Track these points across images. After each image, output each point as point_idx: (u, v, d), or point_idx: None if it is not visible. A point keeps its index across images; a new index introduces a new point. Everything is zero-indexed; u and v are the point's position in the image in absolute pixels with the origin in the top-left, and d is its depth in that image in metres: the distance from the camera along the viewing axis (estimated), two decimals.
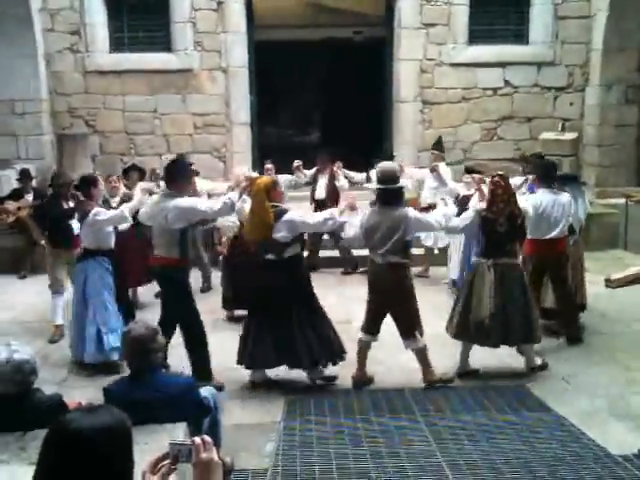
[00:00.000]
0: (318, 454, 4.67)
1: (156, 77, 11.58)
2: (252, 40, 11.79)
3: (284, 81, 15.13)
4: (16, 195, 10.17)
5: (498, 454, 4.62)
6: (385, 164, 6.05)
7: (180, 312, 5.87)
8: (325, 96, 15.48)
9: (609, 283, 8.28)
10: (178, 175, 5.91)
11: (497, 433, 4.97)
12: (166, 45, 11.62)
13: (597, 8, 11.41)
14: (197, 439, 2.01)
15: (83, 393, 5.24)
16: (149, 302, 7.95)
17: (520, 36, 11.93)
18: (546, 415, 5.28)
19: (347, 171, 9.50)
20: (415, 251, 9.57)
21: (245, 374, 6.09)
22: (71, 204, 7.18)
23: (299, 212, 6.15)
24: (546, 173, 6.86)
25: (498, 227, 5.87)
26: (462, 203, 6.99)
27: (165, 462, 2.03)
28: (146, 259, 7.30)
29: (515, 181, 7.33)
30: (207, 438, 2.03)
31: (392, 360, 6.25)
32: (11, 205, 10.04)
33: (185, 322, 5.87)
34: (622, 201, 10.25)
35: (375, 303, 5.86)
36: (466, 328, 5.96)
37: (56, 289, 7.20)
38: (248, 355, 5.82)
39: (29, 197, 10.09)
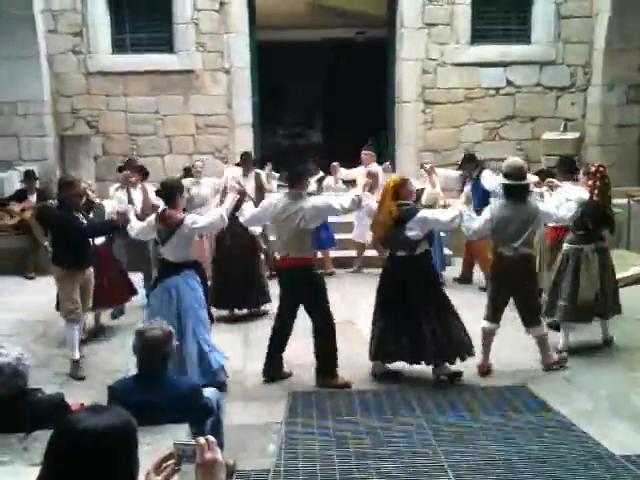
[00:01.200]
0: (320, 454, 4.68)
1: (158, 78, 11.60)
2: (254, 41, 11.80)
3: (286, 82, 15.14)
4: (20, 196, 10.21)
5: (499, 453, 4.62)
6: (513, 160, 6.26)
7: (321, 308, 5.95)
8: (327, 97, 15.49)
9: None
10: (303, 175, 6.06)
11: (498, 432, 4.97)
12: (168, 46, 11.64)
13: (599, 8, 11.41)
14: (201, 439, 2.03)
15: (85, 394, 5.26)
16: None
17: (522, 36, 11.93)
18: (547, 415, 5.28)
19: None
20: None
21: (247, 375, 6.12)
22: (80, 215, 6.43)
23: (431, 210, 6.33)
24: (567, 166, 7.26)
25: (609, 212, 6.54)
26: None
27: (169, 462, 2.05)
28: (123, 275, 7.41)
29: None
30: (211, 438, 2.04)
31: None
32: (15, 206, 10.08)
33: (325, 315, 5.96)
34: (624, 201, 10.23)
35: (499, 293, 6.12)
36: (573, 311, 6.45)
37: (72, 317, 6.34)
38: (376, 346, 6.00)
39: (33, 198, 10.13)
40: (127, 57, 11.63)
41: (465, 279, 9.18)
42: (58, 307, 6.75)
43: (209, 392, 4.29)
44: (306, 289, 5.92)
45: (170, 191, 5.77)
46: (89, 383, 6.10)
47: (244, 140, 11.74)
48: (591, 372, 6.14)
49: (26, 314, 7.91)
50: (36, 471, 3.22)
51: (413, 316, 5.81)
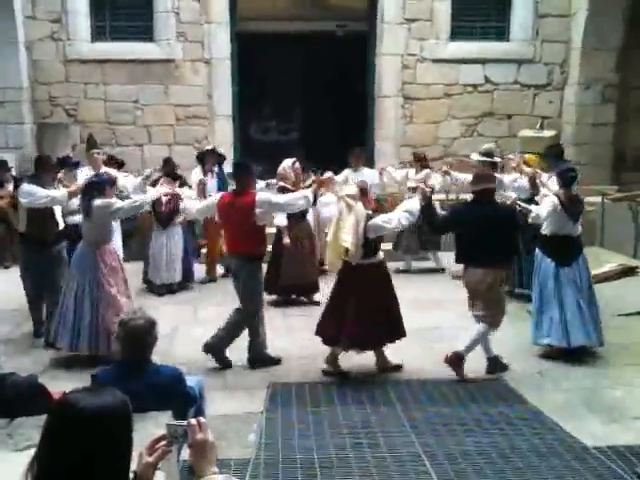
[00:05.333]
0: (299, 444, 4.75)
1: (138, 67, 11.52)
2: (235, 32, 11.78)
3: (266, 74, 15.10)
4: None
5: (475, 445, 4.73)
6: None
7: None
8: (307, 89, 15.48)
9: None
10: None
11: (474, 425, 5.07)
12: (148, 35, 11.56)
13: (577, 7, 11.56)
14: (193, 420, 2.10)
15: (65, 382, 5.25)
16: None
17: (501, 33, 12.04)
18: (522, 408, 5.40)
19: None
20: None
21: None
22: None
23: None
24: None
25: None
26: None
27: (161, 443, 2.10)
28: None
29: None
30: (202, 419, 2.10)
31: (369, 353, 6.32)
32: None
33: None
34: (599, 199, 10.42)
35: None
36: None
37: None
38: None
39: (9, 186, 10.02)
40: (107, 45, 11.54)
41: None
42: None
43: (192, 381, 4.33)
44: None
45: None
46: (67, 372, 6.10)
47: (224, 131, 11.74)
48: (565, 367, 6.27)
49: (3, 303, 7.86)
50: (21, 456, 3.26)
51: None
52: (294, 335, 6.97)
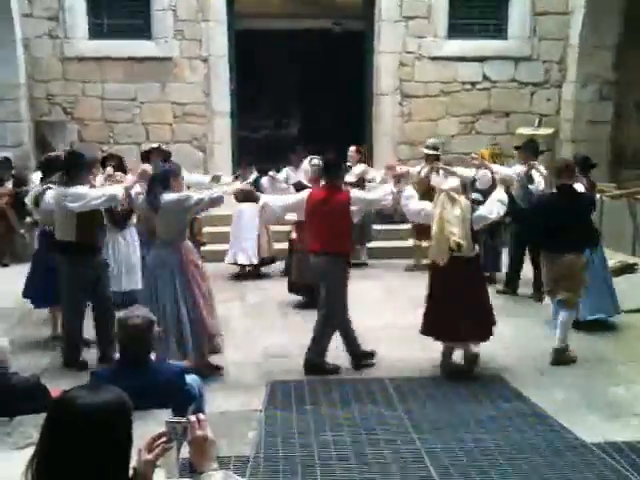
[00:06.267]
0: (299, 442, 4.75)
1: (136, 65, 11.49)
2: (233, 29, 11.75)
3: (264, 71, 15.11)
4: None
5: (476, 443, 4.73)
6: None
7: None
8: (304, 87, 15.49)
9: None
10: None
11: (475, 423, 5.08)
12: (146, 33, 11.51)
13: (574, 5, 11.56)
14: (192, 417, 2.12)
15: (65, 381, 5.25)
16: None
17: (499, 31, 12.03)
18: (522, 405, 5.41)
19: None
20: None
21: (229, 363, 6.17)
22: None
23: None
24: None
25: None
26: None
27: (161, 440, 2.10)
28: None
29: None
30: (202, 416, 2.11)
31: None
32: None
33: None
34: (597, 196, 10.41)
35: None
36: None
37: None
38: None
39: (8, 185, 10.02)
40: (104, 43, 11.47)
41: None
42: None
43: (191, 379, 4.33)
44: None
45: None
46: (67, 371, 6.10)
47: (221, 129, 11.72)
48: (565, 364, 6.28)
49: (2, 301, 7.84)
50: (20, 455, 3.26)
51: None
52: (293, 333, 6.96)
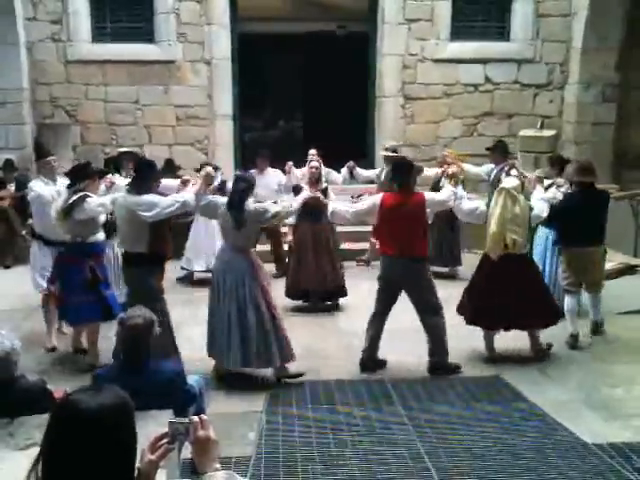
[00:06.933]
0: (300, 442, 4.76)
1: (138, 68, 11.54)
2: (235, 32, 11.79)
3: (267, 74, 15.13)
4: None
5: (475, 443, 4.74)
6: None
7: None
8: (307, 90, 15.51)
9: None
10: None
11: (475, 423, 5.09)
12: (149, 36, 11.57)
13: (577, 7, 11.56)
14: (195, 418, 2.12)
15: (66, 382, 5.27)
16: None
17: (502, 33, 12.05)
18: (522, 405, 5.41)
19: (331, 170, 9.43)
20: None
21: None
22: None
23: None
24: None
25: None
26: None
27: (164, 441, 2.11)
28: None
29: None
30: (204, 417, 2.11)
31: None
32: None
33: None
34: None
35: None
36: None
37: None
38: None
39: (11, 187, 10.06)
40: (107, 46, 11.54)
41: None
42: None
43: (192, 379, 4.35)
44: None
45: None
46: (69, 371, 6.13)
47: (224, 132, 11.76)
48: (564, 364, 6.29)
49: (4, 303, 7.87)
50: (22, 456, 3.28)
51: None
52: (294, 334, 6.88)
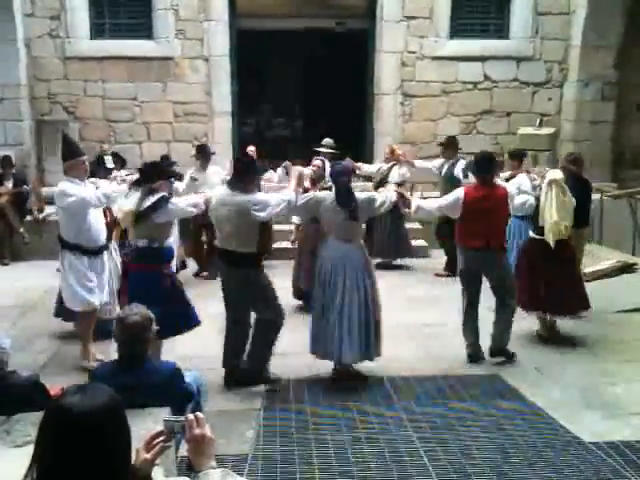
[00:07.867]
0: (297, 440, 4.75)
1: (137, 64, 11.51)
2: (234, 29, 11.76)
3: (265, 71, 15.13)
4: None
5: (473, 441, 4.73)
6: None
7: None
8: (306, 87, 15.51)
9: (584, 276, 8.43)
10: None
11: (472, 421, 5.08)
12: (147, 32, 11.54)
13: (576, 5, 11.56)
14: (190, 415, 2.11)
15: (64, 379, 5.26)
16: None
17: (501, 31, 12.03)
18: (520, 403, 5.41)
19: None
20: None
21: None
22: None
23: None
24: None
25: None
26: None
27: (159, 439, 2.10)
28: None
29: None
30: (200, 415, 2.10)
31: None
32: None
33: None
34: (597, 196, 10.42)
35: None
36: None
37: None
38: None
39: (9, 184, 10.04)
40: (106, 42, 11.51)
41: None
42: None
43: (190, 377, 4.34)
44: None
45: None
46: (66, 368, 6.11)
47: (223, 128, 11.74)
48: (562, 362, 6.28)
49: (2, 300, 7.86)
50: (18, 452, 3.27)
51: None
52: (292, 332, 6.89)
